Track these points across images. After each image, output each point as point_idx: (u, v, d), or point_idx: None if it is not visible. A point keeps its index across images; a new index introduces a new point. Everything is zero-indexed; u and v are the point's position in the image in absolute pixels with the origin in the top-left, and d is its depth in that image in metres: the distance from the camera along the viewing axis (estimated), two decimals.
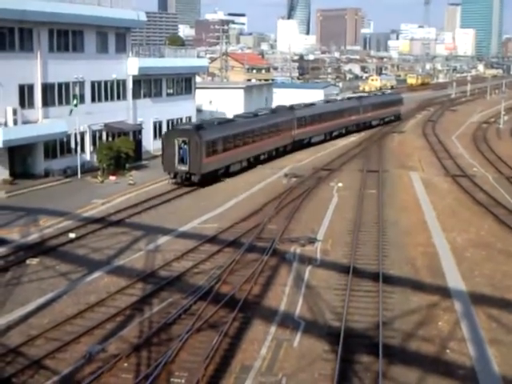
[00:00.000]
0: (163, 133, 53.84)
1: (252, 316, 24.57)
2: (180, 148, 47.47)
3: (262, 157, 58.68)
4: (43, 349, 21.66)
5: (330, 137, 74.69)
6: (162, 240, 34.80)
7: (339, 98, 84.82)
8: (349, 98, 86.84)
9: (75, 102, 49.64)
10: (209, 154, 48.15)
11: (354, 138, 78.06)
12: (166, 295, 26.68)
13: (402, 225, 38.06)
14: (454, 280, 28.72)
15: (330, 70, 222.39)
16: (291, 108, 66.95)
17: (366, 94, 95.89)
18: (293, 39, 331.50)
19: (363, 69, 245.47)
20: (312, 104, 73.23)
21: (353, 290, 26.99)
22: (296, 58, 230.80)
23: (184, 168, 47.41)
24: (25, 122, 47.05)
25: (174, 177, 48.30)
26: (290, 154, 64.73)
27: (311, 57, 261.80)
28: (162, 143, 49.31)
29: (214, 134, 49.59)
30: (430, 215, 40.30)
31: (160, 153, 51.45)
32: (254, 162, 56.84)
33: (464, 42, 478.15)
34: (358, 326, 23.74)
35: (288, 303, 25.92)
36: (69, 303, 25.96)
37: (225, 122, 53.96)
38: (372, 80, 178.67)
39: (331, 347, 21.93)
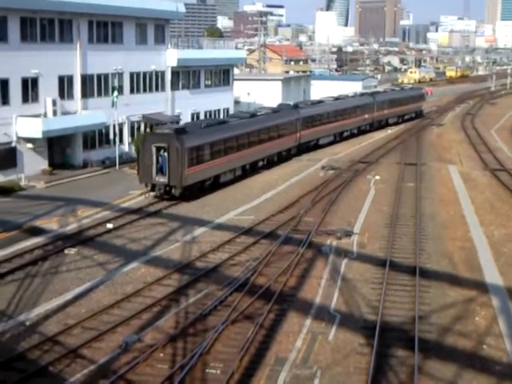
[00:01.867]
0: (138, 136, 45.97)
1: (287, 308, 24.56)
2: (158, 156, 40.78)
3: (260, 163, 51.98)
4: (80, 338, 21.87)
5: (340, 138, 68.13)
6: (199, 231, 34.91)
7: (350, 94, 76.59)
8: (361, 95, 78.40)
9: (116, 93, 49.94)
10: (192, 163, 41.27)
11: (391, 131, 77.54)
12: (201, 286, 26.78)
13: (439, 218, 37.76)
14: (492, 275, 28.41)
15: (368, 62, 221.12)
16: (296, 107, 60.42)
17: (381, 90, 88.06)
18: (331, 31, 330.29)
19: (402, 61, 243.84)
20: (320, 102, 66.86)
21: (389, 283, 26.85)
22: (334, 49, 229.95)
23: (163, 180, 40.57)
24: (64, 113, 47.50)
25: (152, 189, 41.59)
26: (297, 156, 58.60)
27: (350, 49, 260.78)
28: (138, 150, 42.77)
29: (199, 139, 42.60)
30: (468, 209, 39.91)
31: None
32: (251, 170, 50.18)
33: (505, 34, 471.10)
34: (394, 319, 23.61)
35: (324, 296, 25.88)
36: (106, 293, 26.19)
37: (214, 125, 46.72)
38: (411, 72, 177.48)
39: (367, 341, 21.85)
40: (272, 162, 53.34)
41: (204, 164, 42.68)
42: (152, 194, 41.58)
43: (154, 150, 40.61)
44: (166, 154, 40.31)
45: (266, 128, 51.53)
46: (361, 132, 73.00)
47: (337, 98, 69.99)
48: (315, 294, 26.03)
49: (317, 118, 61.60)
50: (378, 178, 48.81)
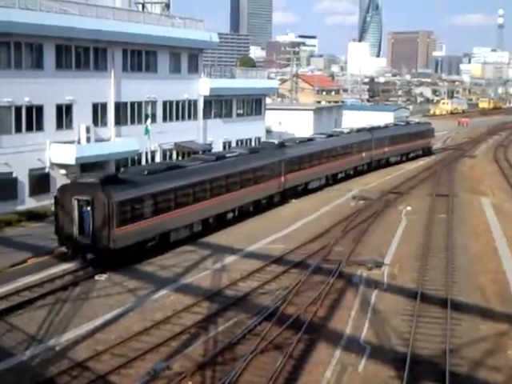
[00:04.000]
0: (57, 188, 35.72)
1: (317, 338, 24.39)
2: (81, 212, 32.89)
3: (230, 215, 43.41)
4: (109, 364, 21.89)
5: (332, 180, 59.87)
6: (229, 259, 34.92)
7: (346, 130, 68.62)
8: (358, 131, 68.82)
9: (149, 121, 50.32)
10: (125, 221, 32.90)
11: (422, 162, 77.15)
12: (231, 314, 26.72)
13: (471, 251, 37.38)
14: None
15: (400, 93, 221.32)
16: (281, 146, 52.30)
17: (381, 125, 76.61)
18: (363, 61, 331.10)
19: (434, 92, 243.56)
20: (310, 139, 58.71)
21: (420, 315, 26.57)
22: (366, 80, 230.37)
23: (86, 241, 32.53)
24: (97, 140, 47.96)
25: (74, 252, 33.50)
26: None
27: (382, 79, 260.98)
28: (55, 203, 33.96)
29: (135, 190, 34.19)
30: (500, 241, 39.47)
31: None
32: (216, 223, 41.54)
33: None
34: (425, 352, 23.33)
35: (354, 327, 25.68)
36: (135, 319, 26.22)
37: (163, 170, 37.87)
38: (443, 103, 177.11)
39: (397, 373, 21.60)
40: (247, 212, 45.35)
41: (143, 221, 34.19)
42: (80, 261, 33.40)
43: (75, 203, 32.76)
44: (89, 209, 32.42)
45: (237, 173, 43.27)
46: (358, 173, 65.35)
47: (330, 135, 62.75)
48: (345, 325, 25.84)
49: (306, 158, 53.61)
50: (409, 208, 48.53)
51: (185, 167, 39.96)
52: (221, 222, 41.84)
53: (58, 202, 33.53)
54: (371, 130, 70.36)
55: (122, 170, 42.15)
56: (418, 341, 24.12)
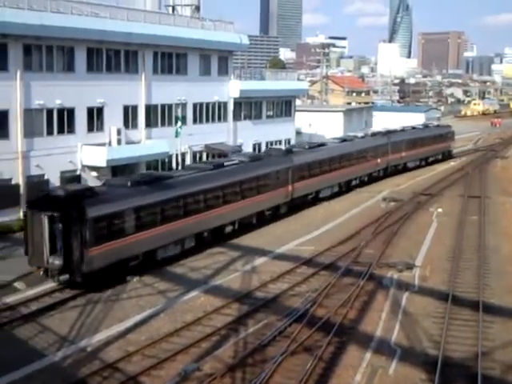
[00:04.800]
0: (26, 203, 34.13)
1: (347, 341, 24.32)
2: (52, 229, 29.21)
3: (228, 228, 40.15)
4: (140, 365, 22.01)
5: (346, 188, 56.81)
6: (259, 261, 34.94)
7: (360, 134, 65.24)
8: (373, 135, 66.12)
9: (180, 124, 50.48)
10: (101, 240, 29.59)
11: (454, 163, 76.62)
12: (261, 316, 26.73)
13: (503, 252, 37.04)
14: None
15: (431, 94, 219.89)
16: (288, 152, 49.49)
17: (398, 129, 72.72)
18: (394, 62, 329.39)
19: (465, 93, 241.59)
20: (321, 145, 55.09)
21: (451, 318, 26.39)
22: (397, 81, 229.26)
23: (58, 262, 29.15)
24: (128, 143, 48.21)
25: (46, 274, 30.10)
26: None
27: (412, 80, 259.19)
28: (25, 220, 30.77)
29: (113, 204, 30.97)
30: None
31: None
32: (212, 238, 38.23)
33: None
34: (456, 355, 23.16)
35: (384, 329, 25.56)
36: (166, 321, 26.34)
37: (149, 182, 34.41)
38: (474, 104, 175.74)
39: (428, 376, 21.47)
40: (249, 224, 42.25)
41: (124, 238, 31.03)
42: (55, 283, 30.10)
43: (45, 220, 29.19)
44: (60, 226, 28.99)
45: (236, 182, 40.34)
46: (373, 179, 62.12)
47: (343, 140, 60.00)
48: (375, 327, 25.73)
49: (316, 165, 50.43)
50: (440, 210, 48.22)
51: (175, 177, 36.78)
52: (219, 236, 38.61)
53: (26, 217, 30.22)
54: (387, 133, 67.22)
55: (104, 180, 38.00)
56: (449, 343, 23.96)
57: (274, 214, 45.09)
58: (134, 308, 27.67)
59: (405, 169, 69.44)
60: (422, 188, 57.84)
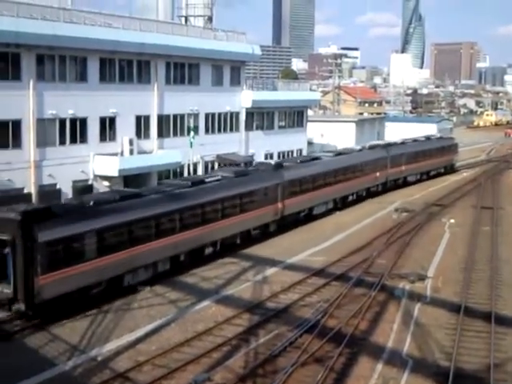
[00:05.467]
0: None
1: (358, 352, 24.20)
2: (1, 255, 26.39)
3: (208, 249, 37.01)
4: (150, 375, 21.97)
5: (342, 204, 53.63)
6: (270, 271, 34.88)
7: (357, 147, 62.63)
8: (371, 148, 62.77)
9: (192, 134, 50.54)
10: (55, 266, 26.88)
11: (466, 174, 76.38)
12: (272, 327, 26.65)
13: None
14: None
15: (443, 105, 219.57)
16: (278, 167, 46.11)
17: (398, 141, 70.25)
18: (406, 73, 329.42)
19: (478, 103, 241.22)
20: (314, 159, 51.99)
21: (463, 329, 26.24)
22: (409, 91, 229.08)
23: (7, 291, 26.38)
24: (140, 152, 48.30)
25: None
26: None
27: (425, 91, 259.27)
28: None
29: (70, 226, 28.05)
30: None
31: None
32: (190, 261, 35.31)
33: None
34: (468, 366, 23.00)
35: (396, 340, 25.43)
36: (176, 331, 26.30)
37: (115, 201, 31.69)
38: (487, 115, 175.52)
39: None
40: (233, 244, 39.35)
41: (83, 264, 28.25)
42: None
43: None
44: (8, 251, 26.29)
45: (217, 200, 37.24)
46: (371, 194, 59.18)
47: (338, 154, 56.58)
48: (387, 338, 25.61)
49: (308, 180, 47.54)
50: (452, 221, 48.03)
51: (146, 195, 33.80)
52: (198, 258, 35.64)
53: None
54: (386, 146, 64.68)
55: (64, 200, 36.49)
56: (461, 355, 23.80)
57: (264, 233, 42.33)
58: (144, 318, 27.64)
59: (405, 183, 66.49)
60: (434, 198, 57.64)
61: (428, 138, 76.64)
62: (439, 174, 74.18)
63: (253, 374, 22.14)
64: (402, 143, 69.19)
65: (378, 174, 59.62)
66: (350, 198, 55.31)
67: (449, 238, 43.13)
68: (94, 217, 29.39)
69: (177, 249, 33.85)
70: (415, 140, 73.43)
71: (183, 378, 21.91)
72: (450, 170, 77.93)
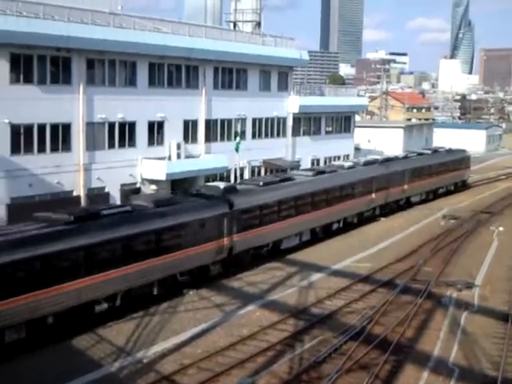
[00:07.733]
0: None
1: (404, 359, 24.01)
2: None
3: (101, 306, 27.23)
4: (195, 378, 22.05)
5: (323, 234, 44.17)
6: (315, 277, 34.80)
7: (348, 163, 51.77)
8: (367, 164, 52.33)
9: (238, 139, 50.65)
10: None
11: None
12: (317, 333, 26.58)
13: None
14: None
15: (492, 111, 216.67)
16: (230, 191, 36.52)
17: (400, 155, 60.51)
18: (455, 78, 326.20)
19: None
20: (284, 180, 41.96)
21: None
22: (458, 97, 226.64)
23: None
24: (188, 157, 48.57)
25: None
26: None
27: (473, 97, 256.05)
28: None
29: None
30: None
31: None
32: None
33: None
34: None
35: (442, 348, 25.17)
36: (222, 334, 26.38)
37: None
38: None
39: None
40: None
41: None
42: None
43: None
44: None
45: (121, 238, 27.81)
46: (364, 220, 49.73)
47: (319, 172, 46.24)
48: (433, 346, 25.36)
49: (272, 207, 38.55)
50: (501, 229, 47.41)
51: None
52: (89, 313, 26.73)
53: None
54: (385, 161, 54.72)
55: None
56: (509, 364, 23.46)
57: (203, 277, 33.04)
58: (190, 321, 27.78)
59: (408, 204, 57.28)
60: (482, 206, 56.99)
61: (435, 151, 67.16)
62: (449, 192, 65.63)
63: (297, 379, 22.10)
64: (405, 157, 59.69)
65: (374, 195, 50.12)
66: (336, 226, 46.01)
67: (497, 246, 42.56)
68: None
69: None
70: (420, 153, 63.74)
71: (228, 381, 21.95)
72: (462, 186, 69.01)
